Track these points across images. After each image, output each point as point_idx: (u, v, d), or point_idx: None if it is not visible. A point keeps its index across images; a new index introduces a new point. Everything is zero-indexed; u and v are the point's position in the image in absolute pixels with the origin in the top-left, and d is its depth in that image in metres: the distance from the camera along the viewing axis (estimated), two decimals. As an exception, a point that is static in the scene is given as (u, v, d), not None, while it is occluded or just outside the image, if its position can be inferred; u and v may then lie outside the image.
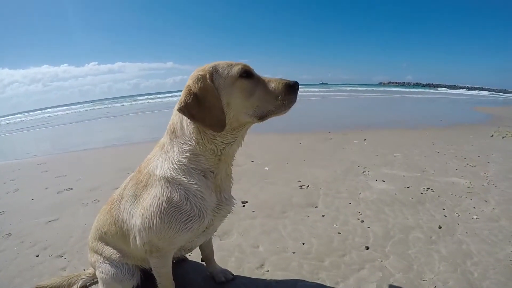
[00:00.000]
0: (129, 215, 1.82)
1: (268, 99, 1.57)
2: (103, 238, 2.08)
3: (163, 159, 1.71)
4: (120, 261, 2.03)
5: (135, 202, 1.79)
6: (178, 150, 1.67)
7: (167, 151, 1.71)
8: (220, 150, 1.66)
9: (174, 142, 1.69)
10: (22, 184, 5.54)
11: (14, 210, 4.25)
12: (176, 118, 1.70)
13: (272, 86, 1.59)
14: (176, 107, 1.57)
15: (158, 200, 1.65)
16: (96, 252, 2.12)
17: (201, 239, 1.98)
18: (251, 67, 1.65)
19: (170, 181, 1.66)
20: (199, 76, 1.56)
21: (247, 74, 1.59)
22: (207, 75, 1.57)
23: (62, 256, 2.94)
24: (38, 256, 2.98)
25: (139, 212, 1.73)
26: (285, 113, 1.62)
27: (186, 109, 1.52)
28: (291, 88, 1.59)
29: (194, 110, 1.52)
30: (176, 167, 1.66)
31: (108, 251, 2.06)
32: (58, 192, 4.81)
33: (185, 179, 1.65)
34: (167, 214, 1.63)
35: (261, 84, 1.61)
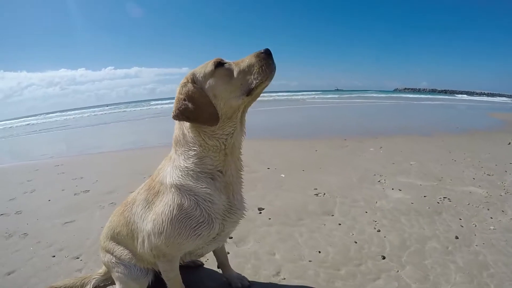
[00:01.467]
0: (139, 219, 1.89)
1: (247, 73, 1.63)
2: (115, 238, 2.15)
3: (171, 169, 1.79)
4: (131, 261, 2.08)
5: (146, 207, 1.86)
6: (184, 158, 1.75)
7: (174, 161, 1.80)
8: (223, 143, 1.71)
9: (179, 152, 1.77)
10: (39, 185, 5.61)
11: (31, 210, 4.32)
12: (177, 130, 1.80)
13: (246, 61, 1.65)
14: (172, 116, 1.68)
15: (170, 207, 1.72)
16: (108, 251, 2.18)
17: (212, 246, 2.01)
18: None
19: (180, 188, 1.73)
20: (183, 84, 1.69)
21: (220, 64, 1.68)
22: (189, 81, 1.69)
23: (78, 258, 2.97)
24: (54, 256, 3.02)
25: (150, 217, 1.79)
26: (270, 79, 1.64)
27: (180, 114, 1.63)
28: (263, 54, 1.63)
29: (187, 113, 1.62)
30: (184, 173, 1.73)
31: (119, 251, 2.12)
32: (75, 194, 4.87)
33: (193, 184, 1.71)
34: (177, 221, 1.70)
35: (236, 65, 1.67)
